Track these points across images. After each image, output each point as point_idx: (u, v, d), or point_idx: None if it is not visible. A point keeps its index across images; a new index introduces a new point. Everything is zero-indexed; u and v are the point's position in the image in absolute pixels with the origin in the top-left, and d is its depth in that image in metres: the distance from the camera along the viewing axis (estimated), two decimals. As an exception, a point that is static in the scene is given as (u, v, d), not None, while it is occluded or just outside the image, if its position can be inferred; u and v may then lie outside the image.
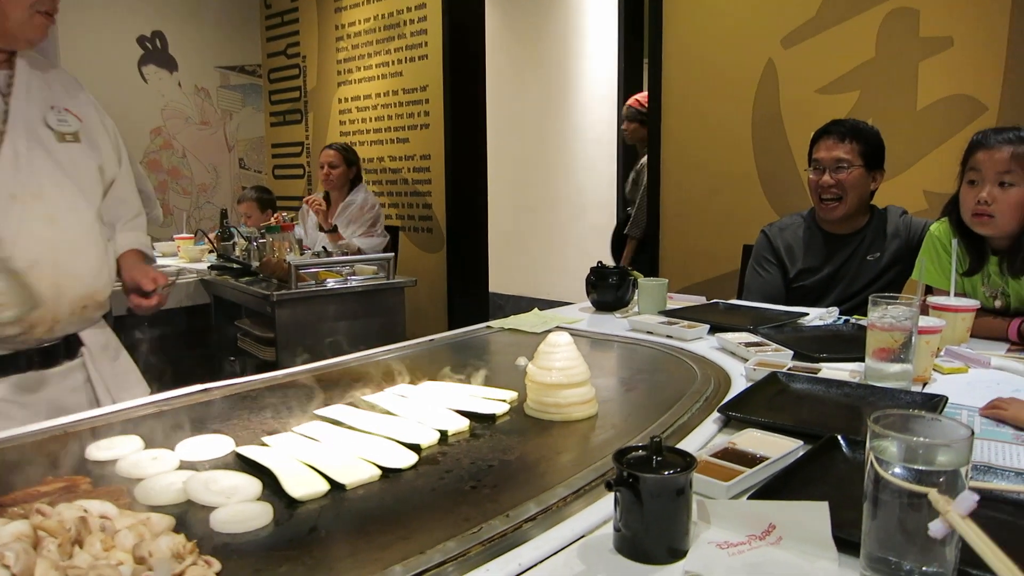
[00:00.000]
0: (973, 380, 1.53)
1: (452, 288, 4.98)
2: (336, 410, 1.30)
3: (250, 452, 1.10)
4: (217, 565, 0.78)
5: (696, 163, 3.81)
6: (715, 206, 3.75)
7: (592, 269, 2.37)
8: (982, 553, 0.60)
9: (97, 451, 1.12)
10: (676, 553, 0.84)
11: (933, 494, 0.69)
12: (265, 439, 1.16)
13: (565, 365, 1.29)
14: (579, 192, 4.81)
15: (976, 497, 0.67)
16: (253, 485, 0.99)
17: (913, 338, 1.44)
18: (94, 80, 3.23)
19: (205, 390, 1.48)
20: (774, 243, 2.61)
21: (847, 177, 2.41)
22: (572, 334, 1.36)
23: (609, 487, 0.85)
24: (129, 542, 0.75)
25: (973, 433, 0.73)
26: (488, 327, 2.08)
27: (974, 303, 1.81)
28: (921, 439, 0.73)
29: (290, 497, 0.96)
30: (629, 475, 0.83)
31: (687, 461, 0.87)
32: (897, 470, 0.72)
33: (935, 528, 0.68)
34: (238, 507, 0.93)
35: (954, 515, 0.65)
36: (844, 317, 2.14)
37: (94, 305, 1.73)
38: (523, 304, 5.71)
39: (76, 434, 1.24)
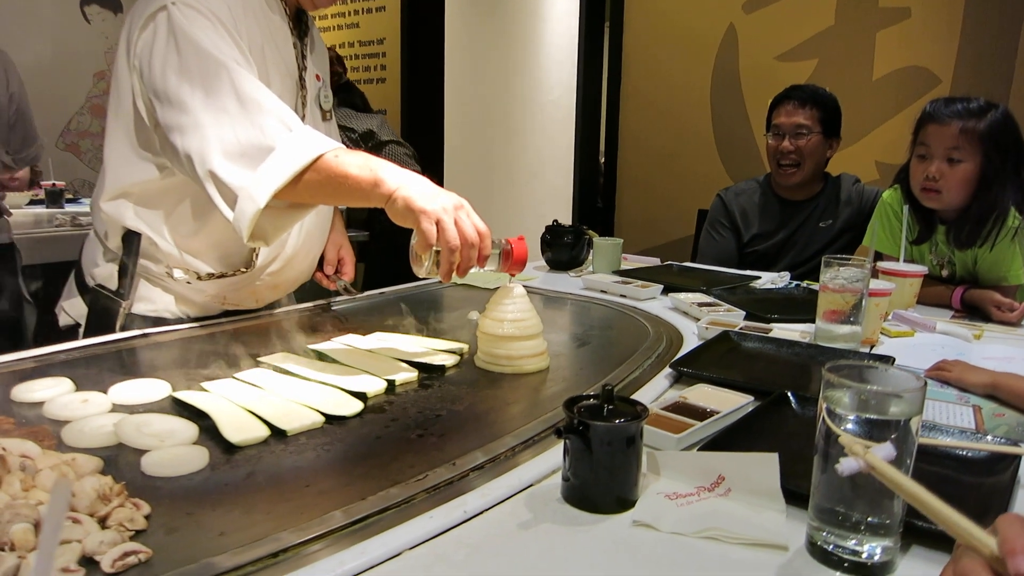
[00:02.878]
0: (919, 344, 1.55)
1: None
2: (280, 358, 1.27)
3: (187, 396, 1.05)
4: (146, 508, 0.74)
5: (655, 127, 3.81)
6: (672, 170, 3.75)
7: (547, 228, 2.35)
8: (897, 486, 0.59)
9: (23, 392, 1.07)
10: (625, 503, 0.83)
11: (845, 437, 0.69)
12: (205, 384, 1.12)
13: (517, 317, 1.27)
14: (537, 153, 4.77)
15: (894, 451, 0.67)
16: (189, 429, 0.96)
17: (864, 301, 1.45)
18: (33, 21, 3.06)
19: (143, 335, 1.42)
20: (729, 207, 2.62)
21: (806, 144, 2.41)
22: (528, 292, 1.34)
23: (559, 434, 0.83)
24: (50, 482, 0.70)
25: (926, 383, 0.72)
26: (440, 283, 2.03)
27: (922, 269, 1.84)
28: (874, 387, 0.72)
29: (228, 442, 0.93)
30: (579, 423, 0.82)
31: (638, 411, 0.86)
32: (850, 421, 0.71)
33: (844, 465, 0.67)
34: (172, 450, 0.90)
35: (871, 455, 0.64)
36: (796, 282, 2.16)
37: None
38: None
39: None
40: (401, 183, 1.16)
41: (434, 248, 1.14)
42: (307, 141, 1.23)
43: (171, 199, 1.46)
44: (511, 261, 1.25)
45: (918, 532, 0.76)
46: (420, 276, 1.21)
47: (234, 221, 1.23)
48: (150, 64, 1.31)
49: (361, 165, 1.19)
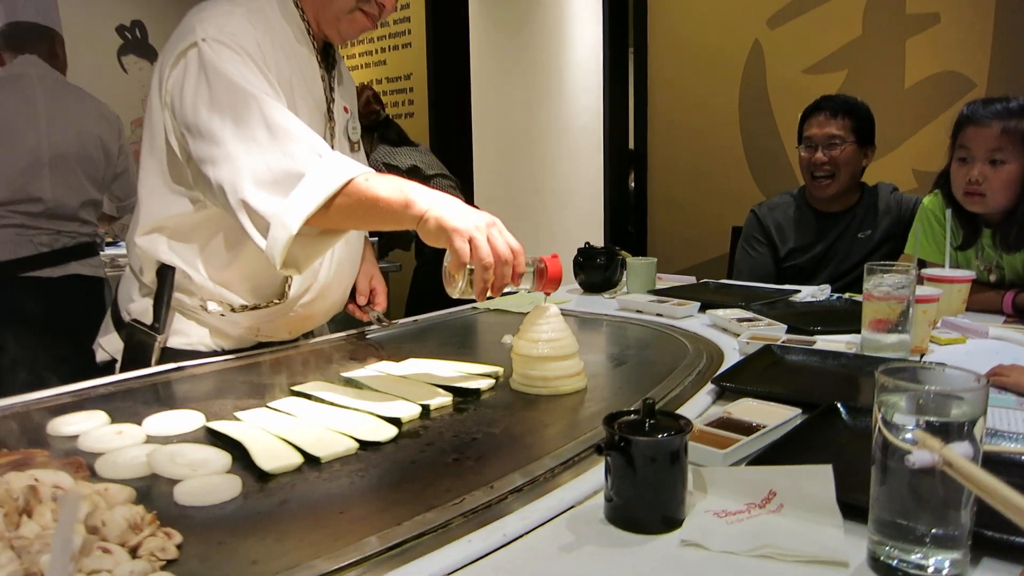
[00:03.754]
0: (972, 350, 1.49)
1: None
2: (314, 386, 1.25)
3: (221, 426, 1.04)
4: (178, 537, 0.72)
5: (684, 147, 3.77)
6: (703, 189, 3.71)
7: (579, 250, 2.31)
8: (978, 484, 0.55)
9: (58, 426, 1.06)
10: (671, 522, 0.79)
11: (919, 431, 0.65)
12: (238, 414, 1.11)
13: (552, 337, 1.24)
14: (566, 179, 4.75)
15: (971, 449, 0.64)
16: (222, 458, 0.94)
17: (910, 308, 1.40)
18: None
19: (177, 368, 1.42)
20: (764, 222, 2.57)
21: (840, 154, 2.36)
22: (562, 314, 1.32)
23: (599, 451, 0.80)
24: (82, 512, 0.69)
25: (988, 382, 0.68)
26: (474, 308, 2.02)
27: (970, 274, 1.78)
28: (933, 388, 0.68)
29: (261, 470, 0.91)
30: (621, 439, 0.79)
31: (681, 425, 0.83)
32: (908, 427, 0.67)
33: (917, 457, 0.63)
34: (205, 479, 0.88)
35: (948, 449, 0.60)
36: (837, 294, 2.10)
37: None
38: (510, 294, 5.57)
39: (36, 411, 1.18)
40: (432, 203, 1.16)
41: (467, 267, 1.13)
42: (337, 166, 1.23)
43: (204, 232, 1.47)
44: (546, 279, 1.23)
45: (989, 543, 0.71)
46: (454, 297, 1.19)
47: (267, 249, 1.23)
48: (181, 99, 1.33)
49: (391, 188, 1.19)
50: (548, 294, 1.27)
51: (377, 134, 3.93)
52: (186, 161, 1.39)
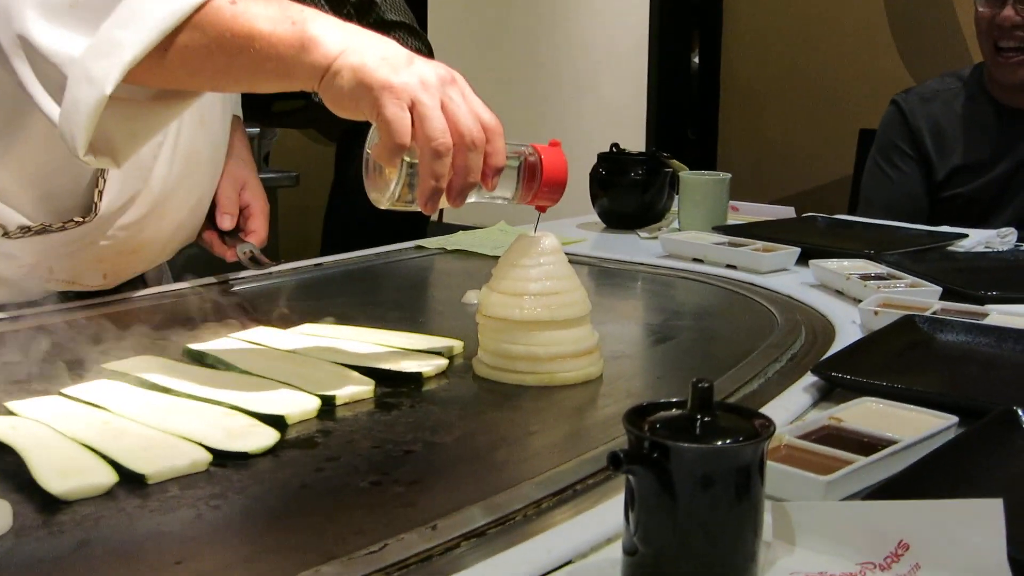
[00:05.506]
0: None
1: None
2: (140, 363, 0.90)
3: None
4: None
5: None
6: (813, 66, 2.70)
7: (601, 156, 1.69)
8: None
9: None
10: (734, 593, 0.55)
11: None
12: (11, 404, 0.79)
13: (548, 288, 0.88)
14: (584, 47, 3.14)
15: None
16: None
17: None
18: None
19: None
20: (913, 122, 1.93)
21: None
22: (562, 248, 0.97)
23: (616, 466, 0.52)
24: None
25: None
26: (420, 247, 1.55)
27: None
28: None
29: (47, 494, 0.63)
30: (652, 444, 0.52)
31: (756, 426, 0.55)
32: None
33: None
34: None
35: None
36: (1025, 243, 1.55)
37: None
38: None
39: None
40: (348, 43, 0.79)
41: (405, 158, 0.76)
42: None
43: None
44: (539, 182, 0.85)
45: None
46: (382, 206, 0.82)
47: (60, 121, 0.86)
48: None
49: (276, 17, 0.81)
50: (542, 210, 0.90)
51: None
52: None
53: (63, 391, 0.82)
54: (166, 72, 0.85)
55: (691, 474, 0.51)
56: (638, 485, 0.52)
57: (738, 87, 2.86)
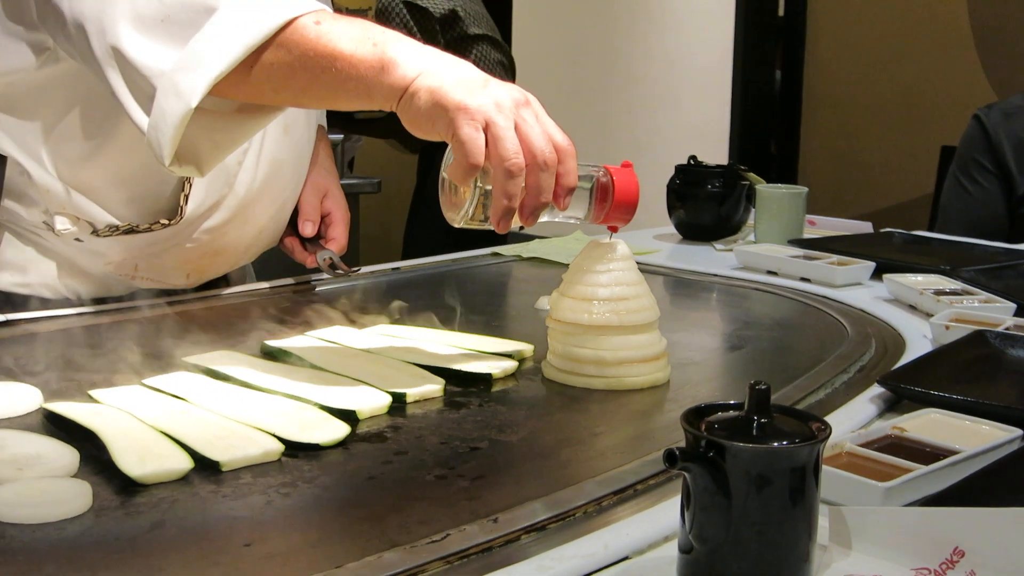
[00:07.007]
0: None
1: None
2: (220, 358, 0.91)
3: (66, 409, 0.75)
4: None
5: (867, 11, 2.69)
6: (897, 80, 2.61)
7: (679, 168, 1.67)
8: None
9: None
10: (787, 592, 0.53)
11: None
12: (95, 393, 0.80)
13: (618, 294, 0.88)
14: (667, 61, 3.08)
15: None
16: (66, 455, 0.67)
17: None
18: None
19: (4, 323, 1.04)
20: (994, 137, 1.87)
21: None
22: (642, 272, 0.95)
23: (671, 463, 0.52)
24: None
25: None
26: (496, 254, 1.54)
27: None
28: None
29: (126, 477, 0.64)
30: (709, 444, 0.52)
31: (812, 429, 0.54)
32: None
33: None
34: (36, 484, 0.64)
35: None
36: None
37: None
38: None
39: None
40: (426, 65, 0.79)
41: (477, 184, 0.77)
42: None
43: (54, 103, 1.04)
44: (610, 202, 0.85)
45: None
46: (456, 224, 0.82)
47: (148, 131, 0.86)
48: None
49: (358, 38, 0.81)
50: (614, 230, 0.90)
51: None
52: None
53: (144, 382, 0.84)
54: (251, 87, 0.86)
55: (746, 474, 0.51)
56: (694, 484, 0.52)
57: (820, 103, 2.80)
